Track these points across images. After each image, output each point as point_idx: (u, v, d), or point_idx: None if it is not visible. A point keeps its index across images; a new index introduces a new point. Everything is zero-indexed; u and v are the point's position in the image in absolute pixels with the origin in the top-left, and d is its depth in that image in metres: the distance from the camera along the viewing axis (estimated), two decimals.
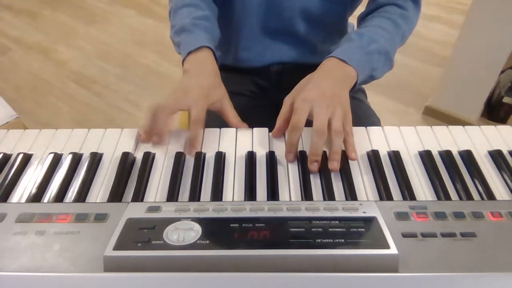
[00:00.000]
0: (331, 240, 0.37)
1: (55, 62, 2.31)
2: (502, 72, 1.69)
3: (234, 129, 0.62)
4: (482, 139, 0.59)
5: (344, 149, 0.56)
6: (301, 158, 0.56)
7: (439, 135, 0.60)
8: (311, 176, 0.54)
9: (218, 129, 0.62)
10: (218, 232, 0.39)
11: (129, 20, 2.65)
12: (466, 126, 0.61)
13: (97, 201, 0.51)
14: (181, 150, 0.58)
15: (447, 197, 0.50)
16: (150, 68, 2.23)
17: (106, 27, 2.61)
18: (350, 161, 0.56)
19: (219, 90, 0.66)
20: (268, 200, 0.50)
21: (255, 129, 0.62)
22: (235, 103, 0.68)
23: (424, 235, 0.39)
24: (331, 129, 0.55)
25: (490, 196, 0.50)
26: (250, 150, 0.58)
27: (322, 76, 0.61)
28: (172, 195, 0.51)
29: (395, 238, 0.38)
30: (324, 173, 0.53)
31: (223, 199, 0.51)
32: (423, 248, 0.38)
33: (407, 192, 0.51)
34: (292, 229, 0.39)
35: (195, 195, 0.51)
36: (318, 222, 0.39)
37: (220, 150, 0.58)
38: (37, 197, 0.51)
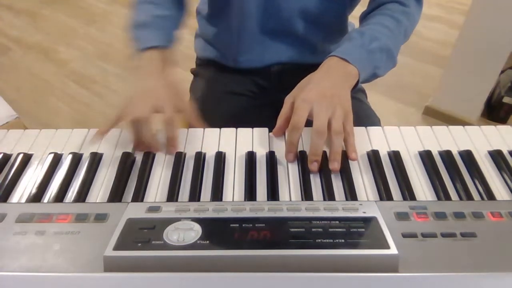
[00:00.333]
0: (331, 240, 0.37)
1: (55, 62, 2.31)
2: (502, 72, 1.69)
3: (234, 129, 0.62)
4: (482, 139, 0.59)
5: (344, 149, 0.56)
6: (301, 158, 0.56)
7: (439, 135, 0.60)
8: (311, 176, 0.53)
9: (218, 129, 0.62)
10: (218, 232, 0.39)
11: None
12: (466, 126, 0.61)
13: (97, 201, 0.51)
14: (181, 150, 0.58)
15: (447, 197, 0.50)
16: None
17: (106, 27, 2.61)
18: (350, 161, 0.56)
19: (181, 88, 0.66)
20: (268, 200, 0.50)
21: (255, 129, 0.62)
22: (235, 103, 0.67)
23: (424, 235, 0.39)
24: (331, 130, 0.55)
25: (490, 196, 0.50)
26: (250, 150, 0.58)
27: (322, 75, 0.61)
28: (172, 195, 0.51)
29: (395, 238, 0.38)
30: (324, 173, 0.53)
31: (223, 199, 0.51)
32: (423, 248, 0.38)
33: (407, 192, 0.51)
34: (292, 229, 0.38)
35: (195, 195, 0.51)
36: (318, 222, 0.39)
37: (220, 150, 0.58)
38: (37, 197, 0.51)
